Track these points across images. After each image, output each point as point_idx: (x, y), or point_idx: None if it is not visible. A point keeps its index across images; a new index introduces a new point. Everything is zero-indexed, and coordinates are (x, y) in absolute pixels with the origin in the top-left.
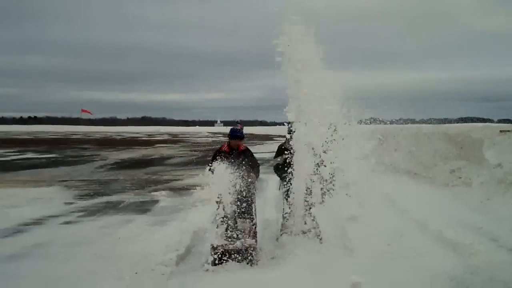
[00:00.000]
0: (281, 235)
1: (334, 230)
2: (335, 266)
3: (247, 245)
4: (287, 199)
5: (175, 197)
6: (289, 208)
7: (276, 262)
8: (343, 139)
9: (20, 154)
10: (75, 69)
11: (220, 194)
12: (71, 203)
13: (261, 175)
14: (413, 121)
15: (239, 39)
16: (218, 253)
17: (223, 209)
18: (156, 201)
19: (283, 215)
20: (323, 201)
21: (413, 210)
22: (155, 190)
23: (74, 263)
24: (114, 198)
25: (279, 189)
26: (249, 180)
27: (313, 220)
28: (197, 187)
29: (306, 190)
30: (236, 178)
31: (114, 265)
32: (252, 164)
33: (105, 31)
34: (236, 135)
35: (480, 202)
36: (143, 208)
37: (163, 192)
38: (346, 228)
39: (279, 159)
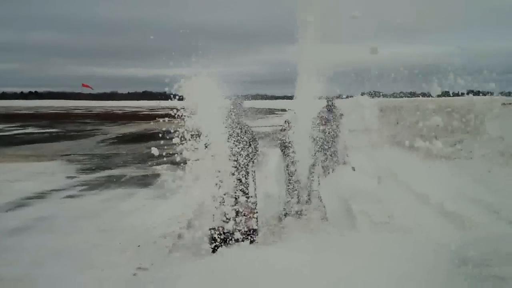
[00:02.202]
0: (284, 215)
1: (338, 205)
2: (338, 241)
3: (247, 226)
4: (289, 179)
5: (177, 171)
6: (293, 186)
7: (278, 240)
8: (341, 114)
9: (22, 129)
10: (76, 44)
11: (219, 172)
12: (73, 177)
13: (262, 149)
14: (413, 94)
15: (242, 13)
16: (217, 235)
17: (222, 188)
18: (158, 175)
19: (286, 194)
20: (328, 173)
21: (414, 183)
22: (157, 164)
23: (77, 236)
24: (116, 172)
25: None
26: (249, 158)
27: (318, 199)
28: (198, 160)
29: (310, 166)
30: (236, 155)
31: (117, 238)
32: (251, 140)
33: (107, 5)
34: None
35: (481, 175)
36: (145, 182)
37: (165, 166)
38: (350, 202)
39: (284, 136)
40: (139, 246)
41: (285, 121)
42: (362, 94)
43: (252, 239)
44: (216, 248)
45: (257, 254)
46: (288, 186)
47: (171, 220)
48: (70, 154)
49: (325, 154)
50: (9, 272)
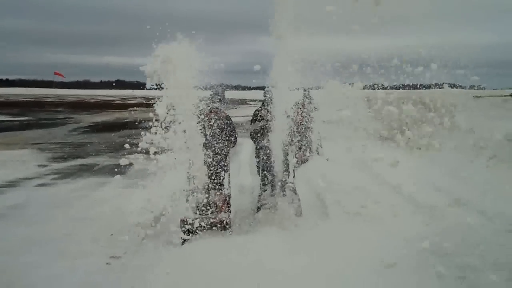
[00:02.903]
0: (258, 209)
1: (311, 195)
2: (311, 231)
3: (220, 219)
4: (265, 170)
5: (150, 160)
6: (267, 179)
7: (251, 232)
8: (314, 108)
9: None
10: (48, 31)
11: (191, 162)
12: (45, 166)
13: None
14: (384, 87)
15: (217, 2)
16: (189, 228)
17: (194, 180)
18: (131, 164)
19: (260, 186)
20: (302, 164)
21: (386, 174)
22: (130, 153)
23: (50, 225)
24: (88, 160)
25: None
26: (224, 150)
27: (292, 191)
28: (170, 151)
29: (284, 158)
30: (210, 146)
31: (90, 227)
32: (230, 133)
33: None
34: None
35: (452, 166)
36: (117, 171)
37: (138, 155)
38: (323, 193)
39: (255, 126)
40: (111, 235)
41: (256, 110)
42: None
43: (224, 230)
44: (185, 240)
45: (230, 244)
46: (262, 178)
47: (144, 209)
48: (41, 143)
49: (299, 145)
50: None
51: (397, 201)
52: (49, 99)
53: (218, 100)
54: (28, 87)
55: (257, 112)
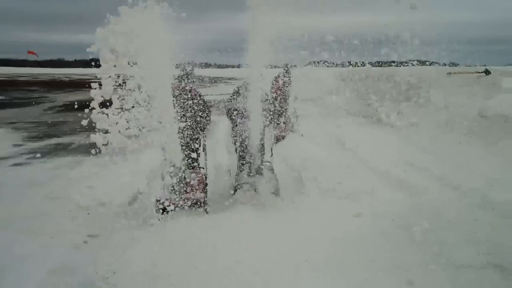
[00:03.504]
0: (235, 189)
1: (288, 172)
2: (288, 209)
3: (196, 199)
4: (242, 149)
5: (126, 139)
6: (244, 158)
7: (228, 211)
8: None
9: None
10: (22, 10)
11: (166, 142)
12: (20, 145)
13: (212, 117)
14: (362, 64)
15: None
16: (164, 208)
17: (169, 159)
18: (107, 143)
19: (237, 165)
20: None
21: (361, 151)
22: (106, 132)
23: (26, 205)
24: (63, 140)
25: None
26: (199, 126)
27: (270, 170)
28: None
29: (261, 136)
30: (184, 123)
31: (66, 206)
32: (203, 111)
33: None
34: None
35: (426, 143)
36: (93, 149)
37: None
38: (299, 170)
39: (234, 104)
40: (88, 213)
41: (235, 89)
42: (310, 63)
43: (200, 209)
44: (160, 219)
45: (206, 223)
46: (239, 157)
47: (121, 187)
48: (16, 122)
49: (276, 123)
50: None
51: (371, 177)
52: (23, 78)
53: (187, 78)
54: (1, 66)
55: (237, 89)
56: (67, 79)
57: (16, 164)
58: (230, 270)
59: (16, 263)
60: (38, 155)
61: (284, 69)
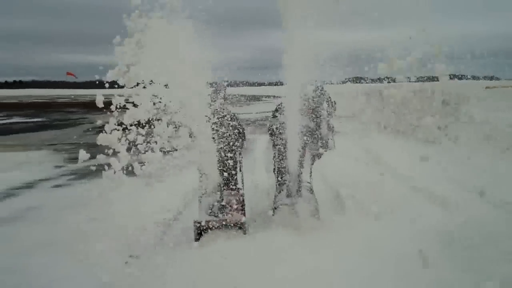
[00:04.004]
0: (274, 210)
1: (327, 190)
2: (328, 229)
3: (234, 220)
4: (280, 169)
5: (165, 159)
6: (282, 179)
7: (267, 232)
8: (333, 100)
9: (7, 119)
10: (60, 32)
11: (201, 164)
12: (60, 167)
13: (249, 135)
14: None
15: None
16: (202, 229)
17: (206, 180)
18: (144, 163)
19: (276, 186)
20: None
21: (400, 167)
22: (145, 152)
23: (68, 225)
24: (103, 160)
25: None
26: (235, 147)
27: (309, 191)
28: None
29: (300, 157)
30: (220, 146)
31: (107, 226)
32: (238, 132)
33: None
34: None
35: (467, 158)
36: (133, 169)
37: (153, 154)
38: (337, 186)
39: (276, 120)
40: (129, 234)
41: (277, 107)
42: (345, 81)
43: (240, 230)
44: (199, 238)
45: (245, 245)
46: (277, 177)
47: (160, 208)
48: (57, 144)
49: (314, 141)
50: None
51: (411, 194)
52: (62, 100)
53: (220, 98)
54: (42, 87)
55: (278, 108)
56: (106, 99)
57: (56, 186)
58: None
59: (56, 284)
60: (78, 176)
61: (317, 87)
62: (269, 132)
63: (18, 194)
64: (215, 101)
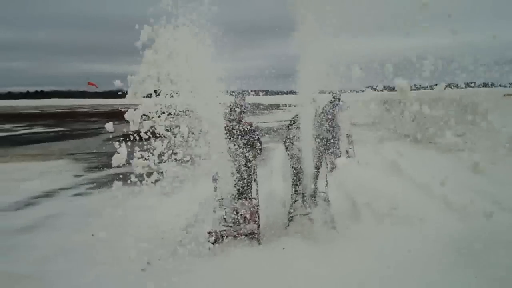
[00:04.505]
0: (289, 220)
1: (343, 198)
2: (343, 236)
3: (248, 230)
4: (296, 179)
5: (182, 169)
6: (298, 188)
7: (282, 242)
8: (348, 106)
9: (29, 129)
10: (81, 42)
11: (217, 173)
12: (80, 176)
13: (267, 144)
14: (417, 88)
15: (244, 8)
16: (217, 240)
17: (220, 191)
18: (164, 172)
19: (291, 196)
20: (332, 169)
21: (418, 175)
22: (163, 162)
23: (86, 233)
24: (122, 170)
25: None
26: (250, 157)
27: (325, 200)
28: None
29: (315, 167)
30: (235, 156)
31: (126, 234)
32: (254, 142)
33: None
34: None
35: (486, 167)
36: (151, 179)
37: (171, 164)
38: (353, 195)
39: (291, 132)
40: (147, 242)
41: (292, 119)
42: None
43: (254, 240)
44: (214, 244)
45: (260, 254)
46: (293, 187)
47: (177, 216)
48: (77, 153)
49: (330, 149)
50: (18, 268)
51: (428, 202)
52: (83, 109)
53: (239, 108)
54: (63, 97)
55: (294, 119)
56: (126, 109)
57: (76, 194)
58: None
59: None
60: (97, 185)
61: (334, 96)
62: (285, 144)
63: (39, 202)
64: (234, 110)
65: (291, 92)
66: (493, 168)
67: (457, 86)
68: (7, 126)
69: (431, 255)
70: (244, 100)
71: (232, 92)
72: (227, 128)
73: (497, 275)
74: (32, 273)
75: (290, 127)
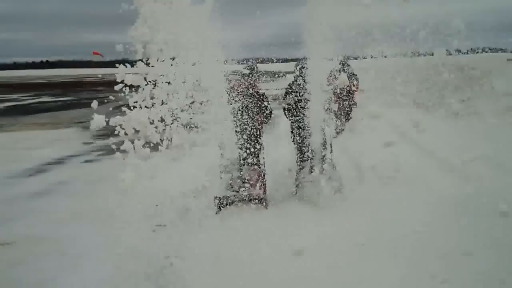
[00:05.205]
0: (296, 187)
1: (348, 162)
2: (346, 198)
3: (254, 195)
4: (301, 146)
5: (190, 134)
6: (303, 155)
7: (288, 207)
8: (355, 75)
9: (36, 98)
10: (86, 12)
11: (223, 139)
12: (89, 143)
13: (274, 111)
14: (420, 54)
15: None
16: (223, 205)
17: (227, 157)
18: (171, 139)
19: (297, 163)
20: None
21: (421, 139)
22: (170, 127)
23: (98, 198)
24: (131, 136)
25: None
26: (257, 123)
27: (331, 166)
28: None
29: (321, 133)
30: (243, 121)
31: (135, 199)
32: (263, 108)
33: None
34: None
35: (489, 130)
36: (159, 145)
37: (178, 130)
38: (359, 159)
39: (288, 100)
40: (156, 205)
41: (287, 87)
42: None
43: (260, 204)
44: (220, 210)
45: (267, 216)
46: (299, 154)
47: (185, 181)
48: (85, 121)
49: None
50: (33, 231)
51: (431, 165)
52: (89, 79)
53: (251, 74)
54: (68, 67)
55: (290, 86)
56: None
57: (87, 161)
58: (293, 254)
59: (90, 250)
60: (107, 152)
61: (341, 63)
62: (284, 111)
63: (50, 169)
64: (248, 77)
65: (296, 59)
66: (497, 131)
67: (460, 52)
68: (14, 96)
69: (434, 215)
70: (256, 66)
71: (244, 60)
72: (237, 91)
73: (504, 242)
74: (46, 235)
75: (286, 95)
